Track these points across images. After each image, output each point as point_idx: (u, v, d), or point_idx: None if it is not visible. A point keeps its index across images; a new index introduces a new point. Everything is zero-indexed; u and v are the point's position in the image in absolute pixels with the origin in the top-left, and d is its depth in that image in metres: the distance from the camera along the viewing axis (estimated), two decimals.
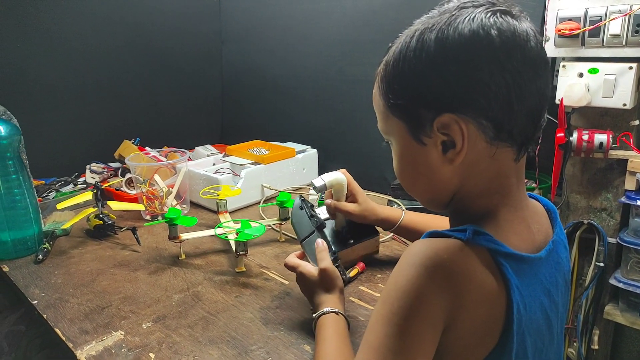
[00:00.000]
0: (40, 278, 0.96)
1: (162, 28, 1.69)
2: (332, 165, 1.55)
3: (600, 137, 1.03)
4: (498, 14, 0.49)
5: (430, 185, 0.56)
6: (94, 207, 1.15)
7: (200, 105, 1.88)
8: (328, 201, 0.90)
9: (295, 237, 0.80)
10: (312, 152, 1.49)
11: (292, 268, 0.78)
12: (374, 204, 0.93)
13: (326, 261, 0.74)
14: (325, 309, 0.69)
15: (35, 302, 0.87)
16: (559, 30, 1.00)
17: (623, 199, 1.06)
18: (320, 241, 0.77)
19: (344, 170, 0.93)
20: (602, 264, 1.13)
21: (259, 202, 1.35)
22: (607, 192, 1.11)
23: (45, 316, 0.83)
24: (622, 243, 1.06)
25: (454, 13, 0.50)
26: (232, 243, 0.97)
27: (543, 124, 0.54)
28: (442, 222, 0.85)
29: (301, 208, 0.81)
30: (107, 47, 1.57)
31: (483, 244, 0.50)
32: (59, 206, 1.09)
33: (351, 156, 1.48)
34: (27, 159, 1.17)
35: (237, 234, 0.93)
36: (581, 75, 1.03)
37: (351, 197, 0.91)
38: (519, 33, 0.49)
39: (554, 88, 1.07)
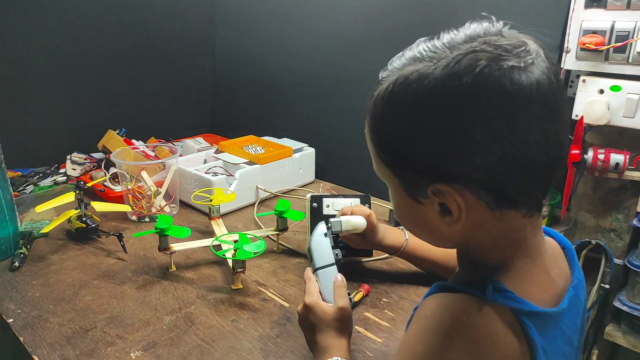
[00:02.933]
0: (15, 289, 0.88)
1: (151, 11, 1.57)
2: (330, 167, 1.50)
3: (617, 158, 0.99)
4: (502, 70, 0.41)
5: (431, 236, 0.52)
6: (76, 209, 1.07)
7: (190, 94, 1.78)
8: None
9: (306, 258, 0.73)
10: (310, 152, 1.42)
11: (307, 292, 0.70)
12: (381, 234, 0.89)
13: (345, 300, 0.68)
14: (334, 358, 0.62)
15: (11, 320, 0.80)
16: (583, 44, 0.94)
17: (635, 222, 1.02)
18: (340, 276, 0.71)
19: (369, 213, 0.86)
20: (607, 286, 1.11)
21: (254, 204, 1.28)
22: (617, 212, 1.08)
23: (22, 339, 0.75)
24: (630, 266, 1.03)
25: (450, 64, 0.42)
26: (230, 260, 0.90)
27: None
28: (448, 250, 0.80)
29: (325, 235, 0.75)
30: (92, 29, 1.45)
31: (505, 303, 0.45)
32: (38, 209, 1.00)
33: (351, 157, 1.42)
34: (0, 149, 1.07)
35: (235, 250, 0.86)
36: (602, 91, 0.98)
37: (366, 231, 0.86)
38: (525, 90, 0.41)
39: (571, 100, 1.01)
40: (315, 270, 0.71)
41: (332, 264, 0.72)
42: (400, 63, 0.47)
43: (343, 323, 0.66)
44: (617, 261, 1.10)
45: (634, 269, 1.03)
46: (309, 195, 0.97)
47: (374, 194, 1.33)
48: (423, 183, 0.45)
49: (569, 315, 0.51)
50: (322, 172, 1.47)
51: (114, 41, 1.51)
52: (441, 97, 0.42)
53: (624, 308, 1.06)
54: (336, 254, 0.73)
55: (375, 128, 0.48)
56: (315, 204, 0.95)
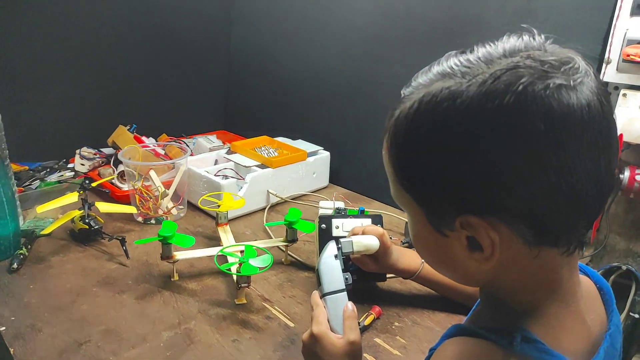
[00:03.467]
0: (12, 294, 0.85)
1: (165, 4, 1.53)
2: (345, 171, 1.44)
3: None
4: (550, 89, 0.35)
5: (454, 273, 0.47)
6: (80, 209, 1.03)
7: (203, 91, 1.73)
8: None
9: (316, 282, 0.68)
10: (325, 155, 1.37)
11: (315, 320, 0.64)
12: (394, 256, 0.83)
13: (356, 332, 0.62)
14: None
15: (3, 328, 0.76)
16: (627, 55, 0.86)
17: None
18: (351, 305, 0.65)
19: (382, 233, 0.81)
20: (637, 315, 1.03)
21: (264, 209, 1.23)
22: None
23: (12, 350, 0.72)
24: None
25: (487, 81, 0.36)
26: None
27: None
28: None
29: (336, 257, 0.69)
30: (104, 21, 1.41)
31: (534, 355, 0.39)
32: (39, 209, 0.96)
33: (367, 163, 1.35)
34: (5, 143, 1.04)
35: (240, 264, 0.81)
36: None
37: (379, 253, 0.81)
38: (575, 113, 0.35)
39: None
40: (323, 296, 0.66)
41: (342, 290, 0.66)
42: (426, 79, 0.41)
43: (352, 358, 0.60)
44: None
45: None
46: (318, 215, 0.92)
47: (389, 202, 1.27)
48: (450, 214, 0.40)
49: None
50: (336, 177, 1.41)
51: (128, 35, 1.47)
52: (477, 119, 0.36)
53: None
54: (346, 279, 0.68)
55: (397, 151, 0.42)
56: (324, 225, 0.89)
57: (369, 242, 0.78)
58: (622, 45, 0.89)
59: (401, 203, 0.46)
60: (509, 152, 0.36)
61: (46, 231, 0.98)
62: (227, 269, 0.82)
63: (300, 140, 1.43)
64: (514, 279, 0.43)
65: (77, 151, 1.36)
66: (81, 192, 1.02)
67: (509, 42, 0.40)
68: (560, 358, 0.40)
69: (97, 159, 1.37)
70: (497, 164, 0.36)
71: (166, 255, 0.89)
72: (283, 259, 1.00)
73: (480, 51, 0.40)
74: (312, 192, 1.34)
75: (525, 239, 0.38)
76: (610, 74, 0.92)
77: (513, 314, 0.43)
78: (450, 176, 0.38)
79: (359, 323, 0.73)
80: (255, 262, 0.81)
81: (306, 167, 1.31)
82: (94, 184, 1.09)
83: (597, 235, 1.05)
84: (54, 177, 1.27)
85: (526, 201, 0.36)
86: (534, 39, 0.40)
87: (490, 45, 0.40)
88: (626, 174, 0.93)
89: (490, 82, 0.36)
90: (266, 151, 1.34)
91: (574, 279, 0.45)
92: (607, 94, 0.39)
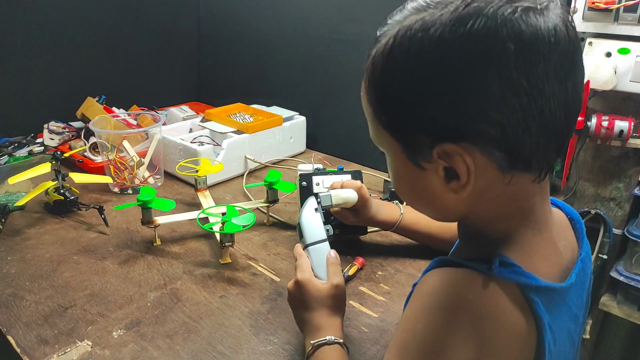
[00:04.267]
0: None
1: None
2: (322, 136, 1.44)
3: (621, 125, 0.95)
4: (518, 12, 0.37)
5: (432, 208, 0.48)
6: (53, 180, 1.01)
7: (174, 59, 1.69)
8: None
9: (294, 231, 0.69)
10: (301, 120, 1.36)
11: (299, 268, 0.65)
12: (374, 208, 0.84)
13: (340, 277, 0.64)
14: (328, 338, 0.58)
15: None
16: (592, 3, 0.89)
17: (637, 190, 0.99)
18: (333, 252, 0.66)
19: (360, 186, 0.82)
20: (605, 257, 1.09)
21: (242, 175, 1.23)
22: (618, 181, 1.05)
23: None
24: (629, 236, 1.01)
25: (458, 8, 0.37)
26: (217, 233, 0.85)
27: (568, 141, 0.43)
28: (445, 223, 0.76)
29: (316, 210, 0.70)
30: None
31: (512, 278, 0.42)
32: (11, 180, 0.94)
33: (344, 126, 1.36)
34: None
35: (223, 223, 0.81)
36: (609, 54, 0.93)
37: (358, 205, 0.82)
38: (543, 35, 0.37)
39: None
40: (306, 247, 0.67)
41: (323, 240, 0.67)
42: (401, 16, 0.42)
43: (337, 301, 0.62)
44: (616, 231, 1.07)
45: (633, 238, 1.00)
46: (298, 173, 0.92)
47: (367, 163, 1.29)
48: (428, 144, 0.41)
49: (575, 291, 0.49)
50: (313, 142, 1.42)
51: (94, 3, 1.41)
52: (450, 45, 0.37)
53: (621, 278, 1.04)
54: (327, 230, 0.69)
55: (374, 87, 0.43)
56: (304, 183, 0.89)
57: (347, 195, 0.79)
58: None
59: (380, 142, 0.47)
60: (481, 76, 0.37)
61: (20, 203, 0.95)
62: (210, 228, 0.82)
63: (275, 107, 1.42)
64: (489, 207, 0.44)
65: (45, 125, 1.32)
66: (53, 162, 0.99)
67: None
68: (535, 279, 0.42)
69: (66, 132, 1.33)
70: (470, 88, 0.37)
71: (147, 221, 0.88)
72: (265, 220, 1.00)
73: None
74: (290, 157, 1.34)
75: (499, 165, 0.40)
76: (576, 23, 0.93)
77: (490, 243, 0.45)
78: (426, 105, 0.40)
79: (343, 273, 0.75)
80: (237, 220, 0.82)
81: (282, 132, 1.30)
82: (66, 154, 1.07)
83: (567, 182, 1.09)
84: (23, 152, 1.23)
85: (499, 125, 0.38)
86: None
87: None
88: (593, 121, 0.97)
89: (462, 8, 0.37)
90: (241, 117, 1.33)
91: (545, 207, 0.47)
92: (572, 21, 0.40)
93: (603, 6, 0.87)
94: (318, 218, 0.70)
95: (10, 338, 0.67)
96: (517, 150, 0.39)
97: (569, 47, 0.39)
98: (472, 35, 0.37)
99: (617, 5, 0.86)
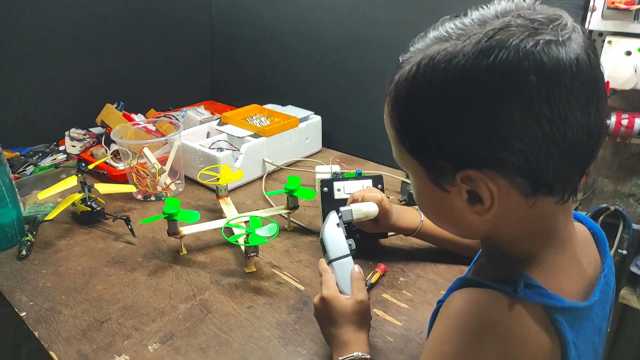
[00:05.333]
0: (25, 280, 0.87)
1: None
2: (337, 134, 1.44)
3: None
4: (540, 44, 0.37)
5: (456, 227, 0.49)
6: (79, 192, 1.03)
7: (187, 61, 1.69)
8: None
9: (323, 251, 0.71)
10: (316, 120, 1.37)
11: (325, 284, 0.67)
12: (395, 216, 0.86)
13: (364, 292, 0.66)
14: (355, 354, 0.60)
15: (24, 314, 0.78)
16: (612, 3, 0.87)
17: None
18: (357, 267, 0.68)
19: (381, 199, 0.83)
20: (624, 252, 1.09)
21: (261, 177, 1.24)
22: (638, 178, 1.04)
23: (37, 334, 0.74)
24: None
25: (481, 41, 0.38)
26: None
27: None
28: None
29: (338, 225, 0.72)
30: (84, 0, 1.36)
31: (537, 300, 0.43)
32: (40, 196, 0.97)
33: (359, 126, 1.36)
34: None
35: (247, 234, 0.83)
36: (629, 53, 0.92)
37: (379, 216, 0.83)
38: (565, 65, 0.38)
39: None
40: (330, 262, 0.69)
41: (347, 255, 0.69)
42: (423, 44, 0.43)
43: (362, 316, 0.64)
44: (636, 226, 1.07)
45: None
46: (317, 178, 0.93)
47: (383, 162, 1.30)
48: (451, 170, 0.42)
49: (599, 306, 0.50)
50: (329, 141, 1.43)
51: (108, 10, 1.42)
52: (472, 77, 0.38)
53: None
54: (350, 244, 0.71)
55: (397, 113, 0.44)
56: (325, 189, 0.91)
57: (368, 209, 0.81)
58: None
59: (404, 164, 0.48)
60: (503, 107, 0.38)
61: (50, 216, 0.98)
62: (235, 241, 0.85)
63: (290, 106, 1.43)
64: (513, 229, 0.45)
65: (66, 133, 1.35)
66: (79, 175, 1.02)
67: (501, 4, 0.42)
68: (560, 300, 0.43)
69: (87, 139, 1.36)
70: (492, 118, 0.38)
71: (173, 232, 0.91)
72: (286, 226, 1.02)
73: (474, 14, 0.42)
74: (307, 158, 1.36)
75: (522, 190, 0.41)
76: (595, 21, 0.93)
77: (514, 263, 0.46)
78: (448, 134, 0.41)
79: (366, 282, 0.77)
80: (261, 231, 0.84)
81: (299, 133, 1.32)
82: (90, 167, 1.09)
83: (587, 179, 1.09)
84: (47, 161, 1.26)
85: (521, 153, 0.39)
86: (524, 0, 0.42)
87: (483, 8, 0.42)
88: (613, 119, 0.96)
89: (485, 41, 0.38)
90: (257, 120, 1.34)
91: (569, 225, 0.48)
92: (594, 48, 0.41)
93: (623, 7, 0.86)
94: (340, 233, 0.71)
95: (52, 354, 0.70)
96: (540, 176, 0.40)
97: (590, 74, 0.39)
98: (495, 68, 0.38)
99: (637, 6, 0.85)
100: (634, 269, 1.06)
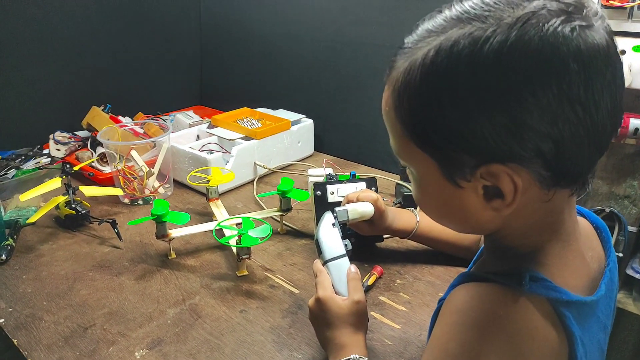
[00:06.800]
0: (5, 285, 0.83)
1: None
2: (329, 138, 1.43)
3: (636, 123, 0.94)
4: (577, 30, 0.36)
5: (464, 224, 0.47)
6: (64, 195, 1.00)
7: (176, 65, 1.67)
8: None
9: (319, 252, 0.68)
10: (308, 123, 1.35)
11: (320, 285, 0.65)
12: (390, 218, 0.83)
13: (361, 293, 0.63)
14: (352, 356, 0.57)
15: (2, 320, 0.74)
16: (607, 0, 0.87)
17: None
18: (354, 268, 0.66)
19: (376, 198, 0.80)
20: (620, 254, 1.08)
21: (252, 181, 1.22)
22: (632, 179, 1.04)
23: (15, 341, 0.70)
24: None
25: (515, 24, 0.36)
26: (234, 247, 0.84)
27: None
28: None
29: (333, 225, 0.70)
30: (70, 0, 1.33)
31: (543, 293, 0.41)
32: (22, 198, 0.93)
33: (352, 128, 1.35)
34: None
35: (239, 236, 0.80)
36: (623, 52, 0.91)
37: (374, 217, 0.81)
38: (599, 51, 0.36)
39: None
40: (325, 263, 0.66)
41: (342, 255, 0.66)
42: (436, 25, 0.40)
43: (359, 317, 0.61)
44: (631, 228, 1.07)
45: None
46: (310, 181, 0.91)
47: (376, 165, 1.28)
48: (472, 165, 0.39)
49: (604, 301, 0.48)
50: (320, 144, 1.41)
51: (95, 11, 1.40)
52: (508, 63, 0.36)
53: (637, 276, 1.04)
54: (345, 245, 0.68)
55: (409, 103, 0.40)
56: (319, 192, 0.89)
57: (364, 209, 0.79)
58: None
59: (408, 159, 0.45)
60: (542, 95, 0.36)
61: (32, 220, 0.95)
62: (226, 242, 0.82)
63: (281, 110, 1.41)
64: (522, 223, 0.43)
65: (51, 136, 1.31)
66: (64, 177, 0.98)
67: None
68: (566, 293, 0.42)
69: (72, 142, 1.32)
70: (529, 107, 0.36)
71: (161, 234, 0.88)
72: (279, 229, 1.00)
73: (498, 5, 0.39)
74: (298, 161, 1.33)
75: (543, 183, 0.39)
76: None
77: (519, 257, 0.45)
78: (475, 125, 0.37)
79: (362, 283, 0.74)
80: (254, 233, 0.81)
81: (291, 136, 1.29)
82: (75, 168, 1.06)
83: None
84: (30, 165, 1.22)
85: (554, 141, 0.37)
86: None
87: None
88: None
89: (520, 25, 0.36)
90: (249, 123, 1.32)
91: (573, 218, 0.46)
92: (614, 36, 0.40)
93: (617, 4, 0.86)
94: (336, 233, 0.69)
95: None
96: (566, 166, 0.38)
97: (617, 60, 0.38)
98: (533, 55, 0.35)
99: (631, 4, 0.85)
100: (629, 271, 1.06)
